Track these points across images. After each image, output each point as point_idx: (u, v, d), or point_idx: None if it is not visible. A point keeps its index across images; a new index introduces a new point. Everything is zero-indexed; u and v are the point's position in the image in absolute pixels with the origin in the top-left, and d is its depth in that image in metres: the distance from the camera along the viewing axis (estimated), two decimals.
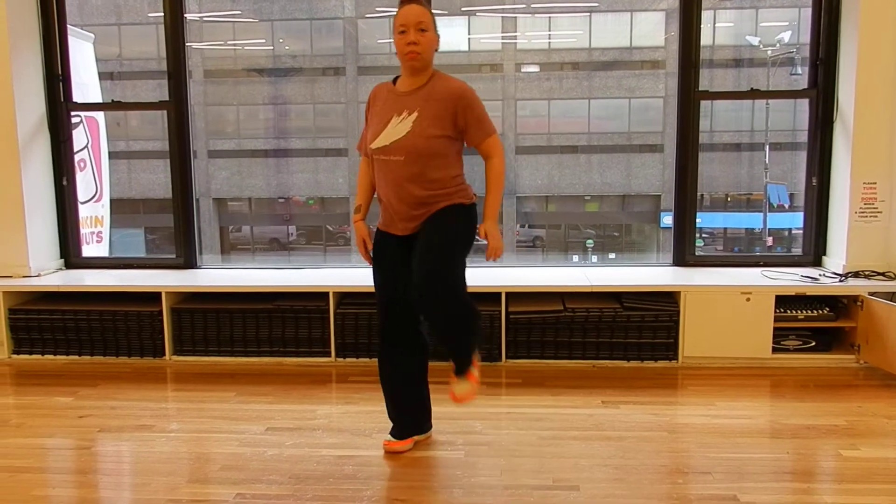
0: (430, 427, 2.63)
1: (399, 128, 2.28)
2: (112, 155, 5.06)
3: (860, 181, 3.64)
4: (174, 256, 4.20)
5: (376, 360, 2.45)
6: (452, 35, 14.63)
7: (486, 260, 2.38)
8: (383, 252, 2.42)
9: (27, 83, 3.93)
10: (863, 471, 2.33)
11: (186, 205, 4.16)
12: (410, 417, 2.56)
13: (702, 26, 3.86)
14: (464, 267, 2.37)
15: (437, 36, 2.31)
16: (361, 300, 3.57)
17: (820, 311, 3.47)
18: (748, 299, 3.42)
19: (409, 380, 2.51)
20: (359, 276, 3.83)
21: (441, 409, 2.90)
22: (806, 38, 3.92)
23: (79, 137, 4.41)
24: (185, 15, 4.07)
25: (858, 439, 2.58)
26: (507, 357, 3.54)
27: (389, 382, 2.52)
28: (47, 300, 3.83)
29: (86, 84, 4.52)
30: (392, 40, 2.29)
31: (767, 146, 13.88)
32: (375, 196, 2.47)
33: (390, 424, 2.54)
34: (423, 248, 2.29)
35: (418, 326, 2.46)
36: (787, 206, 13.41)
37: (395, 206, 2.34)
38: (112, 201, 4.95)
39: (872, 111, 3.59)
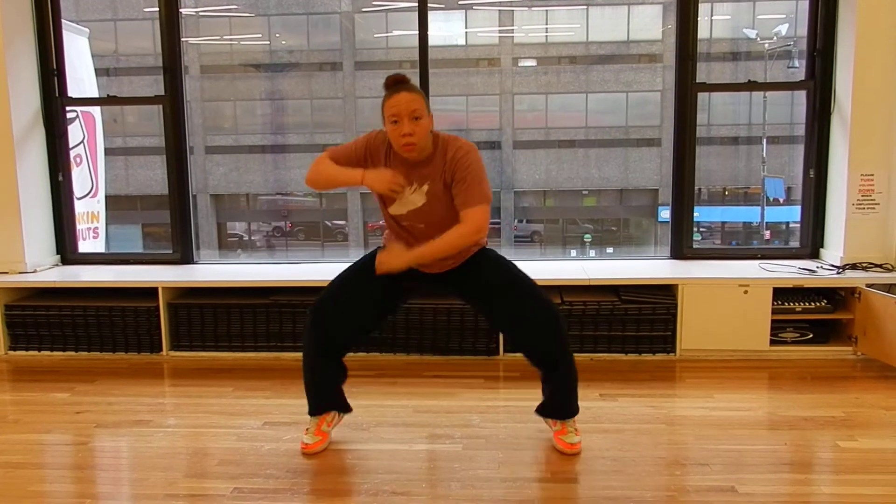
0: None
1: (414, 197, 2.28)
2: (109, 151, 5.05)
3: (858, 173, 3.64)
4: (171, 252, 4.19)
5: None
6: (449, 29, 14.60)
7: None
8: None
9: (22, 78, 3.91)
10: (860, 462, 2.33)
11: (183, 199, 4.15)
12: None
13: (699, 18, 3.85)
14: None
15: (431, 115, 2.24)
16: None
17: (817, 304, 3.47)
18: (746, 292, 3.42)
19: None
20: None
21: (439, 403, 2.91)
22: (803, 31, 3.91)
23: (74, 133, 4.39)
24: (181, 10, 4.05)
25: (856, 430, 2.58)
26: (504, 351, 3.54)
27: None
28: (44, 296, 3.82)
29: (81, 79, 4.50)
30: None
31: (765, 140, 13.87)
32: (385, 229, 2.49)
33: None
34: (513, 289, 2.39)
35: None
36: (781, 199, 13.40)
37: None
38: (109, 198, 4.94)
39: (870, 102, 3.58)
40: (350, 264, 2.50)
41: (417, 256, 2.26)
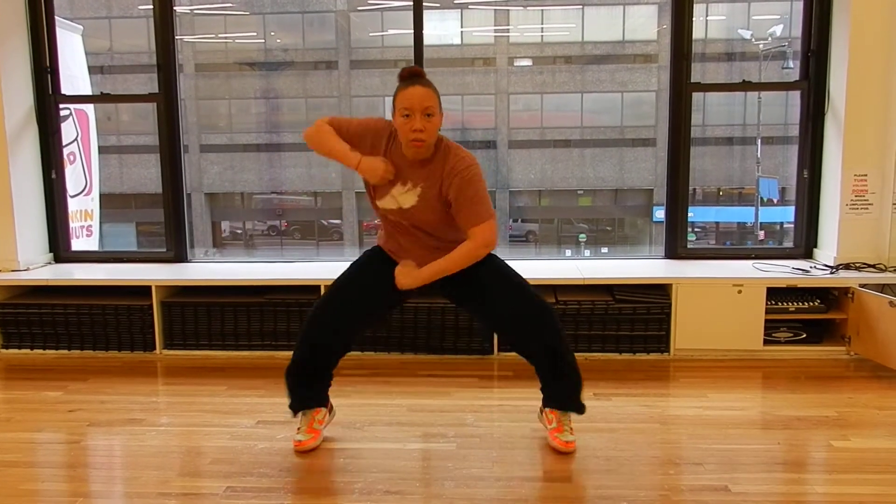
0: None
1: (405, 197, 2.27)
2: (103, 149, 5.02)
3: (851, 173, 3.65)
4: (164, 250, 4.17)
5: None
6: (445, 29, 14.60)
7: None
8: (376, 268, 2.42)
9: (15, 75, 3.89)
10: (853, 461, 2.33)
11: (177, 197, 4.13)
12: None
13: (694, 19, 3.86)
14: None
15: (442, 113, 2.20)
16: None
17: (811, 303, 3.48)
18: (740, 291, 3.43)
19: None
20: None
21: (433, 402, 2.91)
22: (797, 31, 3.92)
23: (68, 130, 4.37)
24: (175, 7, 4.04)
25: (848, 430, 2.59)
26: (498, 350, 3.54)
27: None
28: (36, 294, 3.80)
29: (75, 76, 4.48)
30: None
31: (759, 140, 13.91)
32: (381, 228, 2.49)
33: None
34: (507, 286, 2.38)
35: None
36: (775, 200, 13.44)
37: (409, 252, 2.38)
38: (103, 196, 4.92)
39: (863, 103, 3.59)
40: (349, 266, 2.48)
41: (430, 276, 2.27)
